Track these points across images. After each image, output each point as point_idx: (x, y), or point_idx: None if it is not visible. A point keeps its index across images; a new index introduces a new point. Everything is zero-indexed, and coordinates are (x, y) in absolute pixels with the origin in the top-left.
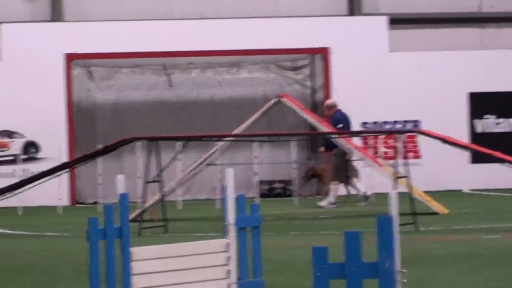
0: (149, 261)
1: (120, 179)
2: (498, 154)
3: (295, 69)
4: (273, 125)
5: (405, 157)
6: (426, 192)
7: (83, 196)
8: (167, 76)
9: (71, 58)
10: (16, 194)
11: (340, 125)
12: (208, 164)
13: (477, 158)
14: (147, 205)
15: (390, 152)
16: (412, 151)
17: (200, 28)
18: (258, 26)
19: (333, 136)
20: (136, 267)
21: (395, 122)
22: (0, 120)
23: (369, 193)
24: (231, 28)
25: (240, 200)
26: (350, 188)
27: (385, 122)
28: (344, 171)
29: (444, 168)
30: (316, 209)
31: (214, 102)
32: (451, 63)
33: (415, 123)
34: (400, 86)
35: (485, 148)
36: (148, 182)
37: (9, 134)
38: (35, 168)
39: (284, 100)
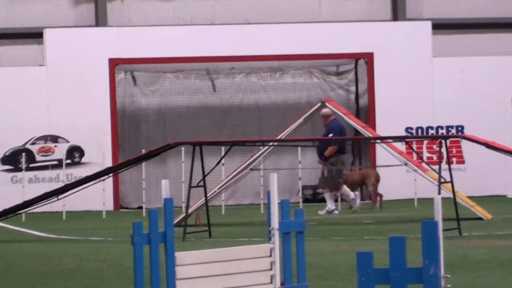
0: (193, 266)
1: (165, 184)
2: None
3: (338, 74)
4: (317, 130)
5: (449, 162)
6: (470, 197)
7: (127, 201)
8: (211, 81)
9: (115, 63)
10: (60, 199)
11: (331, 134)
12: (252, 169)
13: None
14: (191, 210)
15: (434, 157)
16: (456, 156)
17: (244, 33)
18: (302, 31)
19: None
20: (180, 271)
21: (439, 127)
22: (45, 125)
23: (356, 198)
24: (274, 33)
25: (284, 205)
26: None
27: (429, 127)
28: (337, 180)
29: (488, 173)
30: (360, 214)
31: (258, 107)
32: (494, 68)
33: (459, 128)
34: (443, 91)
35: None
36: (192, 187)
37: (54, 139)
38: (79, 173)
39: (328, 105)
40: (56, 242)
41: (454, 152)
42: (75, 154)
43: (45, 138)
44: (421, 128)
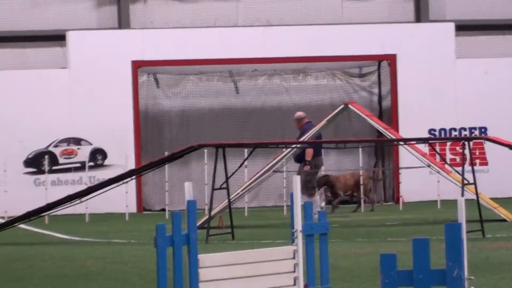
0: (216, 268)
1: (188, 186)
2: None
3: (361, 76)
4: (340, 132)
5: (472, 164)
6: (493, 199)
7: (150, 203)
8: (234, 83)
9: (138, 66)
10: (83, 201)
11: (304, 137)
12: (275, 171)
13: None
14: (214, 212)
15: (457, 159)
16: (479, 158)
17: (266, 35)
18: (324, 33)
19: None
20: (203, 274)
21: (462, 128)
22: (68, 127)
23: (323, 204)
24: (296, 35)
25: (307, 207)
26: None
27: (452, 129)
28: (312, 183)
29: (511, 175)
30: (383, 215)
31: (281, 109)
32: None
33: (482, 129)
34: (466, 93)
35: None
36: (215, 189)
37: (77, 141)
38: (102, 175)
39: (351, 107)
40: (79, 245)
41: (477, 153)
42: (98, 156)
43: (68, 140)
44: (444, 129)
